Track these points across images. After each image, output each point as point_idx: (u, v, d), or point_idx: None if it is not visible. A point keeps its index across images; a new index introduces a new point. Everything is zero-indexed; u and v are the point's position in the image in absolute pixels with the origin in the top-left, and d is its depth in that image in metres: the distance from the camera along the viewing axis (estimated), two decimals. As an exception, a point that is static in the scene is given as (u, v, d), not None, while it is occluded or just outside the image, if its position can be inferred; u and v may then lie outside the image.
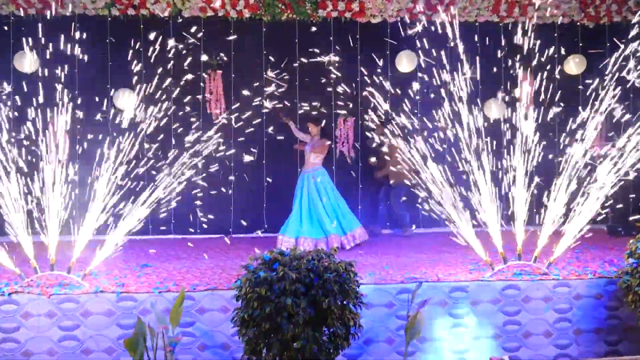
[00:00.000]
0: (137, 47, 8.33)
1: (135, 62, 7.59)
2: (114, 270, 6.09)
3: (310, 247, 7.14)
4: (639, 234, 5.63)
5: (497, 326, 5.51)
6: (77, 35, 6.62)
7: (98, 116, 7.51)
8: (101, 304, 5.23)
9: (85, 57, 7.53)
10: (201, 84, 8.59)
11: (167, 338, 4.77)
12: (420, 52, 7.03)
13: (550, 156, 6.93)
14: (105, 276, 5.85)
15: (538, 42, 6.37)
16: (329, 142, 7.83)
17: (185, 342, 5.20)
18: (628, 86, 6.19)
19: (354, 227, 7.65)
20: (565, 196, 5.83)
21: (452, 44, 5.88)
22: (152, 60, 7.51)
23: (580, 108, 6.07)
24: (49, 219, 5.57)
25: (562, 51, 8.45)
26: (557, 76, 8.52)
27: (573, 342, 5.58)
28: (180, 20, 8.53)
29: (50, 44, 6.38)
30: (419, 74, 8.11)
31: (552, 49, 7.07)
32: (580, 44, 9.06)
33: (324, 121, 8.05)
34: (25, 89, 7.76)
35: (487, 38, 8.45)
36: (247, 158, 7.91)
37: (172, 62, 8.26)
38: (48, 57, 6.40)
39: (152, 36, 7.86)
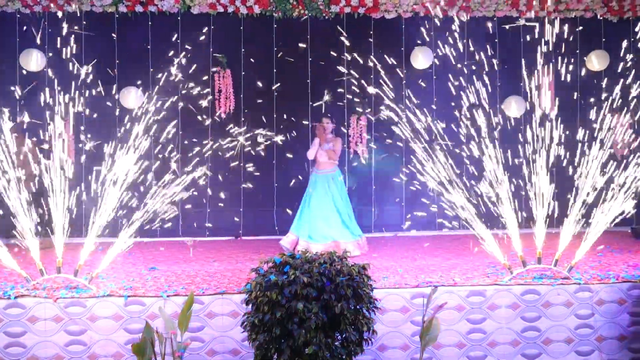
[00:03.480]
0: (144, 44, 8.24)
1: (142, 59, 7.48)
2: (121, 274, 5.99)
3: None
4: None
5: (516, 332, 5.35)
6: (84, 32, 6.52)
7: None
8: (108, 308, 5.13)
9: (92, 55, 7.45)
10: (202, 79, 8.41)
11: (175, 343, 4.70)
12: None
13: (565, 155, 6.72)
14: (112, 279, 5.75)
15: (558, 37, 6.16)
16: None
17: (194, 347, 5.10)
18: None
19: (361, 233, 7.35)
20: (587, 197, 5.62)
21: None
22: (159, 58, 7.40)
23: (602, 105, 5.86)
24: (55, 221, 5.46)
25: (584, 47, 8.24)
26: (579, 72, 8.31)
27: (595, 349, 5.40)
28: (189, 17, 8.41)
29: (57, 42, 6.29)
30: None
31: (573, 45, 6.87)
32: (603, 39, 8.82)
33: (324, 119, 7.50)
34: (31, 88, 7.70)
35: (506, 33, 8.25)
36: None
37: (180, 60, 8.15)
38: (54, 54, 6.31)
39: (160, 33, 7.75)
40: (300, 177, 8.49)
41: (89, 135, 7.80)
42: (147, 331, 4.54)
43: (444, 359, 5.28)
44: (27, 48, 7.97)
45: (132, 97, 8.01)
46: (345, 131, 8.49)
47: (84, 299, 5.13)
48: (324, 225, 7.03)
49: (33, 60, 7.89)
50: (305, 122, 8.56)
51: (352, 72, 8.46)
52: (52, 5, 8.06)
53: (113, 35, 8.32)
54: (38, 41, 6.75)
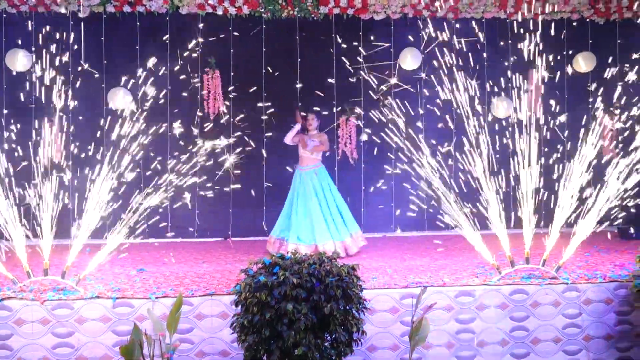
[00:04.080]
0: (132, 44, 8.18)
1: (130, 60, 7.43)
2: (109, 275, 5.94)
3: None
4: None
5: (504, 332, 5.37)
6: (72, 32, 6.47)
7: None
8: (96, 310, 5.09)
9: (80, 55, 7.38)
10: (192, 80, 8.38)
11: (164, 345, 4.67)
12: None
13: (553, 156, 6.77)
14: (100, 281, 5.70)
15: (546, 38, 6.22)
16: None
17: (183, 349, 5.08)
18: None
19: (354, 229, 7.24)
20: (575, 197, 5.67)
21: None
22: (148, 59, 7.36)
23: (589, 106, 5.92)
24: (43, 223, 5.41)
25: (571, 48, 8.31)
26: (566, 74, 8.38)
27: (583, 349, 5.44)
28: (178, 17, 8.37)
29: (44, 42, 6.23)
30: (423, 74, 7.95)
31: (560, 46, 6.92)
32: (590, 41, 8.89)
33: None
34: (18, 88, 7.62)
35: (494, 34, 8.30)
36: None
37: (169, 60, 8.11)
38: (41, 55, 6.25)
39: (148, 34, 7.69)
40: (289, 178, 8.47)
41: (77, 137, 7.72)
42: (135, 333, 4.52)
43: (433, 359, 5.29)
44: (13, 48, 7.90)
45: (119, 98, 7.95)
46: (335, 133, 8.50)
47: (71, 301, 5.09)
48: (310, 225, 6.96)
49: (19, 60, 7.82)
50: (291, 125, 8.54)
51: (341, 72, 8.53)
52: (39, 5, 8.00)
53: (102, 37, 8.27)
54: (24, 41, 6.69)
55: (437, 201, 5.89)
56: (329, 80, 8.62)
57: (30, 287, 5.36)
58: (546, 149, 5.95)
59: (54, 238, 5.47)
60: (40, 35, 6.56)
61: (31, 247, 5.53)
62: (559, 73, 8.22)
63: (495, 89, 8.32)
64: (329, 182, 7.29)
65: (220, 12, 8.43)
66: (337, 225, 7.07)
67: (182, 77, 8.20)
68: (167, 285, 5.57)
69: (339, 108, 8.57)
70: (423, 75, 8.22)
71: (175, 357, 4.87)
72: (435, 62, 6.46)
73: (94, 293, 5.21)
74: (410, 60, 8.49)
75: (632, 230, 8.00)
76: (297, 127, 7.24)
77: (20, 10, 8.08)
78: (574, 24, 8.83)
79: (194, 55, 8.26)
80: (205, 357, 5.13)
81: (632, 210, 6.41)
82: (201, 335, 5.14)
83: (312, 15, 8.55)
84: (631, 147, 5.78)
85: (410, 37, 8.49)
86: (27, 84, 7.33)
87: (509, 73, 7.88)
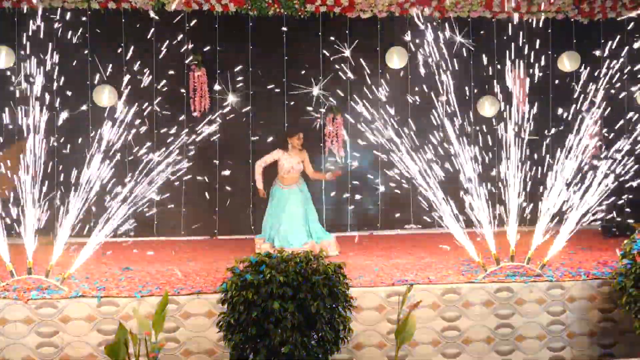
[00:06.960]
0: (118, 41, 8.12)
1: (116, 57, 7.37)
2: (94, 274, 5.89)
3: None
4: (632, 235, 5.55)
5: (490, 329, 5.41)
6: (56, 29, 6.41)
7: None
8: (81, 309, 5.04)
9: (64, 52, 7.28)
10: (177, 78, 8.32)
11: (150, 344, 4.64)
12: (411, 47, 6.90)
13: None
14: (85, 280, 5.65)
15: (531, 38, 6.27)
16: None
17: (169, 348, 5.05)
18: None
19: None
20: (559, 196, 5.72)
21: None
22: (134, 56, 7.32)
23: (574, 106, 5.99)
24: (26, 221, 5.35)
25: (556, 48, 8.39)
26: (551, 73, 8.46)
27: (567, 345, 5.49)
28: (164, 14, 8.32)
29: (27, 39, 6.15)
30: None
31: (545, 45, 6.99)
32: (575, 41, 8.98)
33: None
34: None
35: (480, 34, 8.33)
36: None
37: (154, 57, 8.06)
38: (25, 52, 6.18)
39: (133, 31, 7.63)
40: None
41: (61, 134, 7.65)
42: (120, 332, 4.48)
43: (419, 357, 5.31)
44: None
45: (105, 95, 7.89)
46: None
47: (55, 300, 5.04)
48: (294, 229, 6.96)
49: (2, 57, 7.72)
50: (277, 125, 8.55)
51: (327, 70, 8.53)
52: (22, 2, 7.91)
53: (86, 33, 8.20)
54: (7, 38, 6.61)
55: (423, 199, 5.91)
56: (316, 77, 8.61)
57: (13, 286, 5.30)
58: (531, 148, 5.98)
59: (37, 236, 5.42)
60: (24, 31, 6.47)
61: (14, 246, 5.48)
62: (543, 72, 8.28)
63: (482, 87, 8.38)
64: (309, 196, 7.30)
65: (206, 9, 8.40)
66: (316, 230, 7.15)
67: (168, 75, 8.15)
68: (153, 284, 5.53)
69: (326, 106, 8.59)
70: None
71: (161, 356, 4.84)
72: (421, 61, 6.50)
73: (78, 292, 5.17)
74: (396, 59, 8.52)
75: (614, 228, 8.10)
76: (278, 153, 7.14)
77: (4, 6, 7.98)
78: (559, 23, 8.92)
79: (180, 53, 8.22)
80: (191, 356, 5.10)
81: (615, 208, 6.51)
82: (187, 334, 5.11)
83: (299, 14, 8.55)
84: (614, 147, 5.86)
85: (396, 36, 8.52)
86: (10, 81, 7.26)
87: (495, 72, 7.97)
